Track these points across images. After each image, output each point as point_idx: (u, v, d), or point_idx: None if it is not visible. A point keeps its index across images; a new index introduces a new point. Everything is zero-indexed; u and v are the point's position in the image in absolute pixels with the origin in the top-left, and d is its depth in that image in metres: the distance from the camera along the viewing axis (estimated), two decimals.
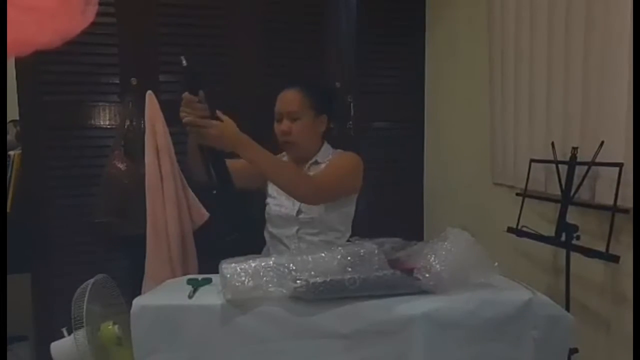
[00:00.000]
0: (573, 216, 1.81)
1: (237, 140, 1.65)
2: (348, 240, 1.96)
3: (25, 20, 0.96)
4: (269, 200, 2.05)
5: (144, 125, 2.23)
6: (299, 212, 1.95)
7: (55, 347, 1.48)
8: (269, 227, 2.07)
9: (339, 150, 2.06)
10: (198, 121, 1.59)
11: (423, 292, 1.31)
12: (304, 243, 1.96)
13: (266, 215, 2.07)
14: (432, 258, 1.31)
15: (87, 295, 1.45)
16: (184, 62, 1.58)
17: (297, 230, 1.96)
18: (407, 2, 2.88)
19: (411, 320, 1.26)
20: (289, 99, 1.94)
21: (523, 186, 2.06)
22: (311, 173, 1.98)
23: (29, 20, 0.96)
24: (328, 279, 1.26)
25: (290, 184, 1.78)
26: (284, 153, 2.07)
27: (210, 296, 1.33)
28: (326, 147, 2.05)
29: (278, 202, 2.01)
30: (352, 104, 2.78)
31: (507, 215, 2.10)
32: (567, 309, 1.70)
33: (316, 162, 2.00)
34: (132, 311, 1.30)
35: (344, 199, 1.99)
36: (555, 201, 1.87)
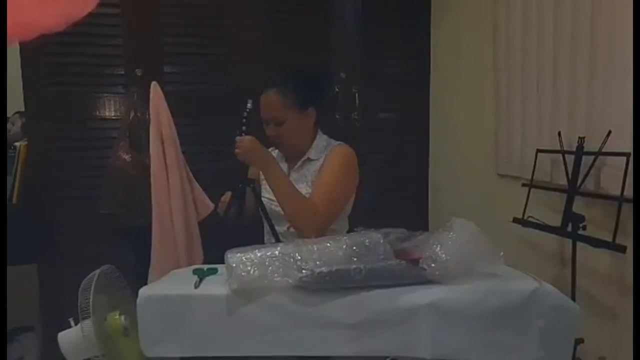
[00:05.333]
0: (578, 206, 1.80)
1: (263, 156, 1.81)
2: (353, 231, 1.95)
3: (28, 3, 0.95)
4: (262, 197, 2.03)
5: (149, 116, 2.23)
6: None
7: (63, 337, 1.48)
8: (265, 224, 2.05)
9: (332, 142, 2.01)
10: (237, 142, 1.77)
11: (429, 282, 1.30)
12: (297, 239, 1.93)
13: (260, 212, 2.04)
14: (438, 248, 1.31)
15: (93, 286, 1.45)
16: (249, 105, 1.77)
17: (289, 228, 1.95)
18: None
19: (417, 310, 1.26)
20: (270, 103, 1.87)
21: (527, 177, 2.05)
22: (304, 171, 1.95)
23: (32, 3, 0.95)
24: (334, 269, 1.26)
25: (295, 215, 1.83)
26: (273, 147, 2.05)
27: (216, 286, 1.33)
28: (319, 139, 1.98)
29: (270, 197, 1.98)
30: (357, 95, 2.77)
31: (512, 206, 2.09)
32: (573, 299, 1.69)
33: (309, 160, 1.94)
34: (138, 301, 1.31)
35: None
36: (562, 191, 1.87)
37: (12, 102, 2.43)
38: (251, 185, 1.87)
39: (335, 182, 1.88)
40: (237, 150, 1.76)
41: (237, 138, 1.78)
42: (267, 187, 1.95)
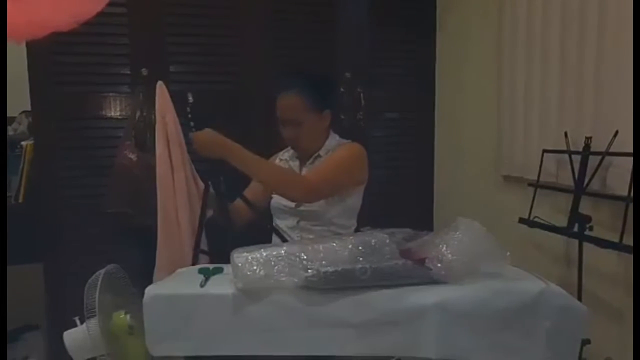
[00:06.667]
0: (584, 207, 1.80)
1: (223, 146, 1.75)
2: (359, 231, 1.95)
3: (40, 1, 0.95)
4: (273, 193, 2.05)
5: (155, 116, 2.24)
6: (298, 203, 1.94)
7: (68, 336, 1.49)
8: (274, 220, 2.07)
9: (343, 141, 2.03)
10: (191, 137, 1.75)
11: (434, 282, 1.30)
12: (307, 234, 1.95)
13: (271, 209, 2.06)
14: (444, 248, 1.31)
15: (99, 285, 1.45)
16: (190, 99, 1.75)
17: (298, 222, 1.95)
18: None
19: (422, 310, 1.26)
20: (288, 105, 1.89)
21: (531, 177, 2.04)
22: (314, 166, 1.96)
23: (44, 1, 0.96)
24: (339, 269, 1.26)
25: (281, 185, 1.83)
26: (288, 147, 2.06)
27: (222, 285, 1.33)
28: (331, 138, 2.01)
29: (282, 203, 2.00)
30: (362, 95, 2.76)
31: (517, 207, 2.09)
32: (579, 299, 1.69)
33: (319, 156, 1.97)
34: (144, 300, 1.31)
35: (346, 192, 1.97)
36: (568, 191, 1.86)
37: (18, 101, 2.44)
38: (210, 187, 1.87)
39: (332, 165, 1.90)
40: (194, 147, 1.76)
41: (190, 134, 1.76)
42: (279, 213, 1.95)
